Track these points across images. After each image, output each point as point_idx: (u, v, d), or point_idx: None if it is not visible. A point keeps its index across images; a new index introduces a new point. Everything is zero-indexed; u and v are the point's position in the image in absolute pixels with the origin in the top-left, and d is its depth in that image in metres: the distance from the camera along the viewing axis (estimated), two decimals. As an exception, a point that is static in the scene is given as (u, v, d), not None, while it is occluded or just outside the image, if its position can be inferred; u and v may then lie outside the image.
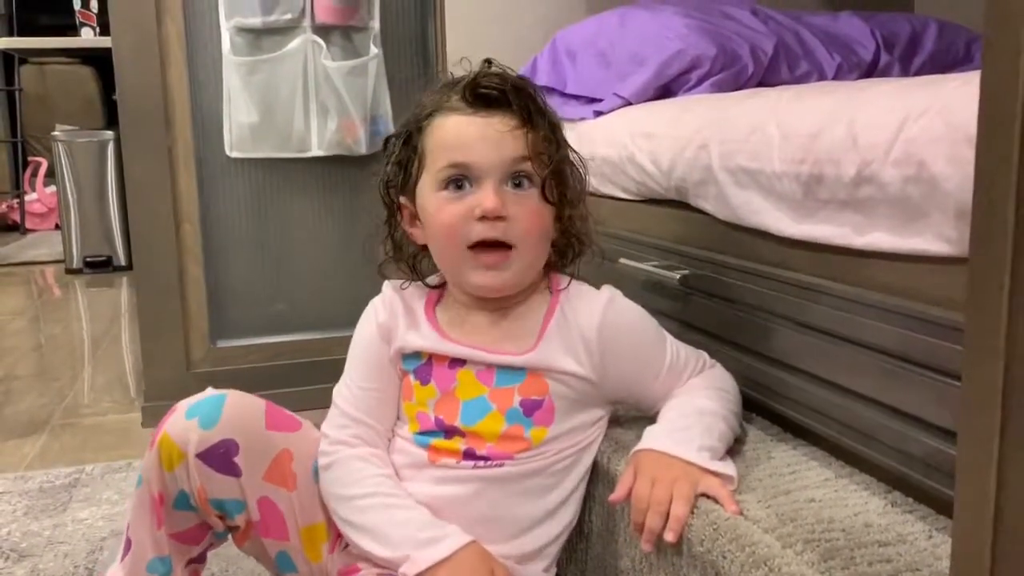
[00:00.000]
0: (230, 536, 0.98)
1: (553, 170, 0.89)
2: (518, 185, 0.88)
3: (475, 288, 0.91)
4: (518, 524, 0.90)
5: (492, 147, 0.87)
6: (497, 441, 0.89)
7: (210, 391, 0.92)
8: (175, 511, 0.92)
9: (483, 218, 0.86)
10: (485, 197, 0.86)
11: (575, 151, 0.95)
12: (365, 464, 0.91)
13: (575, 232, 0.95)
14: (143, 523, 0.93)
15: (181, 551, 0.95)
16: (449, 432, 0.91)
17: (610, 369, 0.92)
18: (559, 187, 0.90)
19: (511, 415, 0.90)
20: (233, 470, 0.90)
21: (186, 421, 0.90)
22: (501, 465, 0.89)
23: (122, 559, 0.95)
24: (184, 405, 0.91)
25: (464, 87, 0.88)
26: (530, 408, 0.90)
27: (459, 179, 0.88)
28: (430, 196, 0.90)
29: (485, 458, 0.89)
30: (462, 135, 0.88)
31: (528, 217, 0.88)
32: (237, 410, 0.91)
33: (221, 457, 0.89)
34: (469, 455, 0.90)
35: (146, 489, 0.92)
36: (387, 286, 0.99)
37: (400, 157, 0.94)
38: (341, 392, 0.97)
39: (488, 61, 0.92)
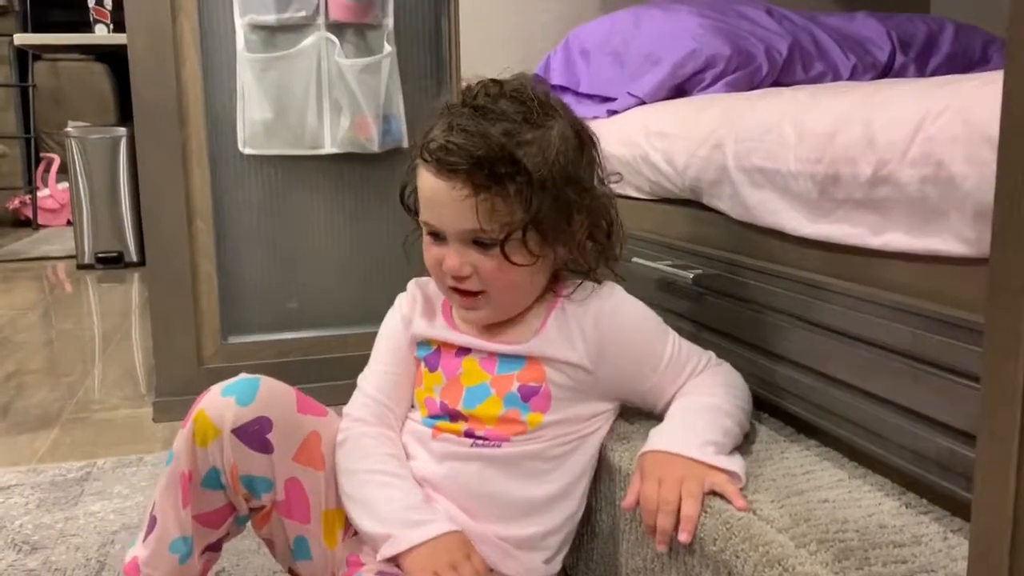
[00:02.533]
0: (249, 523, 1.00)
1: (527, 225, 0.87)
2: (485, 245, 0.89)
3: (463, 317, 0.97)
4: (516, 507, 0.92)
5: (450, 213, 0.88)
6: (496, 424, 0.93)
7: (244, 375, 0.95)
8: (203, 490, 0.94)
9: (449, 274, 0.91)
10: (448, 256, 0.90)
11: (585, 173, 0.92)
12: (375, 442, 0.96)
13: (587, 259, 0.95)
14: (170, 501, 0.94)
15: (202, 534, 0.96)
16: (453, 416, 0.95)
17: (607, 358, 0.94)
18: (540, 235, 0.89)
19: (509, 399, 0.93)
20: (266, 447, 0.92)
21: (222, 399, 0.92)
22: (499, 445, 0.93)
23: (145, 538, 0.96)
24: (219, 385, 0.94)
25: (428, 147, 0.88)
26: (527, 394, 0.93)
27: (435, 231, 0.92)
28: (424, 231, 0.95)
29: (484, 438, 0.93)
30: (429, 195, 0.90)
31: (492, 273, 0.90)
32: (271, 391, 0.94)
33: (255, 434, 0.92)
34: (469, 434, 0.94)
35: (176, 466, 0.94)
36: (412, 283, 1.05)
37: (408, 179, 0.97)
38: (365, 375, 1.03)
39: (495, 82, 0.91)
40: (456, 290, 0.93)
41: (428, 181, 0.90)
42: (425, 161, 0.89)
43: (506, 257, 0.88)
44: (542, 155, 0.87)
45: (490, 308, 0.94)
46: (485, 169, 0.85)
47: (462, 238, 0.89)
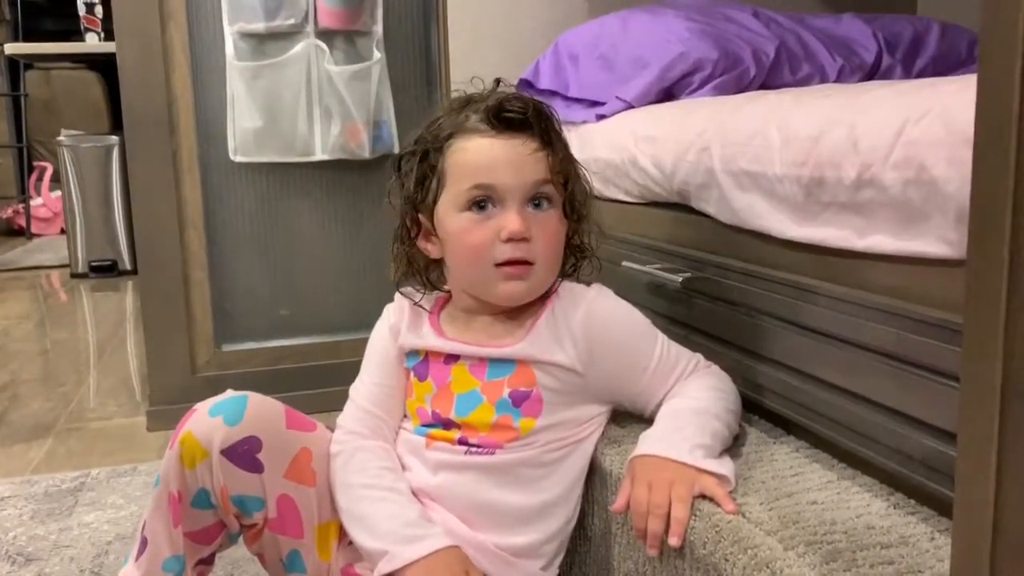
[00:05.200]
0: (240, 539, 0.99)
1: (570, 190, 0.94)
2: (537, 206, 0.92)
3: (502, 299, 0.95)
4: (512, 515, 0.92)
5: (516, 170, 0.90)
6: (489, 431, 0.93)
7: (230, 392, 0.94)
8: (193, 509, 0.93)
9: (509, 240, 0.90)
10: (511, 220, 0.90)
11: (582, 167, 0.99)
12: (370, 455, 0.96)
13: (578, 245, 1.00)
14: (160, 522, 0.94)
15: (194, 550, 0.95)
16: (446, 425, 0.95)
17: (596, 360, 0.94)
18: (573, 205, 0.96)
19: (500, 405, 0.93)
20: (256, 467, 0.91)
21: (210, 419, 0.91)
22: (492, 453, 0.93)
23: (136, 559, 0.95)
24: (206, 405, 0.93)
25: (487, 109, 0.91)
26: (518, 399, 0.93)
27: (482, 200, 0.91)
28: (452, 216, 0.93)
29: (477, 445, 0.93)
30: (487, 157, 0.91)
31: (548, 237, 0.93)
32: (259, 409, 0.93)
33: (245, 454, 0.91)
34: (463, 442, 0.94)
35: (164, 488, 0.93)
36: (398, 294, 1.04)
37: (417, 175, 0.96)
38: (357, 388, 1.03)
39: (498, 81, 0.97)
40: (507, 263, 0.91)
41: (486, 145, 0.91)
42: (490, 124, 0.91)
43: (565, 214, 0.94)
44: (565, 139, 0.97)
45: (532, 281, 0.93)
46: (546, 124, 0.93)
47: (525, 195, 0.91)
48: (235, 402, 0.92)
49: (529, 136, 0.91)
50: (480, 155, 0.91)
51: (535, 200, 0.92)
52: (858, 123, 0.82)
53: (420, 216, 0.97)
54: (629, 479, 0.86)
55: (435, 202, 0.94)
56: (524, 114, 0.91)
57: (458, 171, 0.92)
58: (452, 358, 0.97)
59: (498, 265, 0.91)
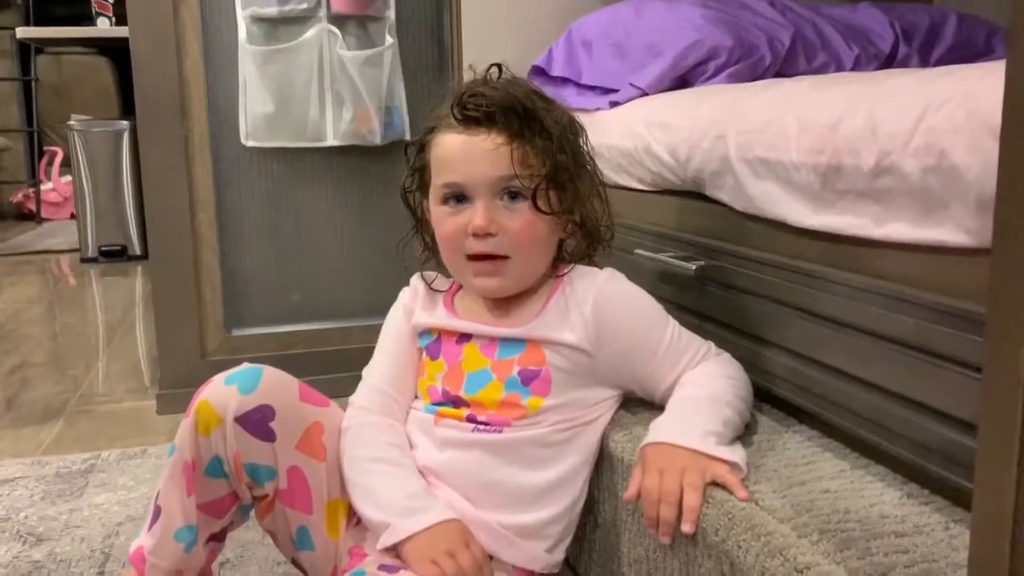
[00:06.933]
0: (252, 512, 1.00)
1: (549, 178, 0.92)
2: (513, 197, 0.92)
3: (476, 291, 0.98)
4: (517, 494, 0.93)
5: (479, 166, 0.91)
6: (497, 408, 0.94)
7: (246, 364, 0.96)
8: (206, 478, 0.94)
9: (474, 234, 0.92)
10: (475, 215, 0.92)
11: (584, 153, 0.98)
12: (379, 431, 0.97)
13: (589, 230, 0.99)
14: (174, 490, 0.95)
15: (206, 523, 0.97)
16: (455, 403, 0.96)
17: (605, 341, 0.94)
18: (559, 192, 0.94)
19: (509, 383, 0.94)
20: (268, 435, 0.93)
21: (225, 387, 0.93)
22: (500, 431, 0.93)
23: (149, 528, 0.97)
24: (222, 375, 0.95)
25: (453, 105, 0.93)
26: (528, 378, 0.94)
27: (457, 195, 0.93)
28: (434, 208, 0.97)
29: (485, 423, 0.94)
30: (453, 154, 0.93)
31: (520, 230, 0.92)
32: (273, 380, 0.95)
33: (258, 422, 0.92)
34: (471, 419, 0.95)
35: (179, 457, 0.94)
36: (415, 277, 1.06)
37: (417, 165, 1.00)
38: (370, 368, 1.04)
39: (497, 66, 0.96)
40: (477, 257, 0.93)
41: (454, 141, 0.93)
42: (456, 120, 0.92)
43: (536, 207, 0.91)
44: (556, 122, 0.94)
45: (509, 276, 0.94)
46: (516, 117, 0.91)
47: (493, 190, 0.91)
48: (250, 372, 0.94)
49: (494, 130, 0.91)
50: (447, 152, 0.93)
51: (508, 192, 0.92)
52: (877, 110, 0.81)
53: (427, 203, 1.00)
54: (640, 467, 0.86)
55: (427, 194, 0.98)
56: (485, 109, 0.91)
57: (435, 166, 0.95)
58: (464, 337, 0.99)
59: (469, 258, 0.94)
